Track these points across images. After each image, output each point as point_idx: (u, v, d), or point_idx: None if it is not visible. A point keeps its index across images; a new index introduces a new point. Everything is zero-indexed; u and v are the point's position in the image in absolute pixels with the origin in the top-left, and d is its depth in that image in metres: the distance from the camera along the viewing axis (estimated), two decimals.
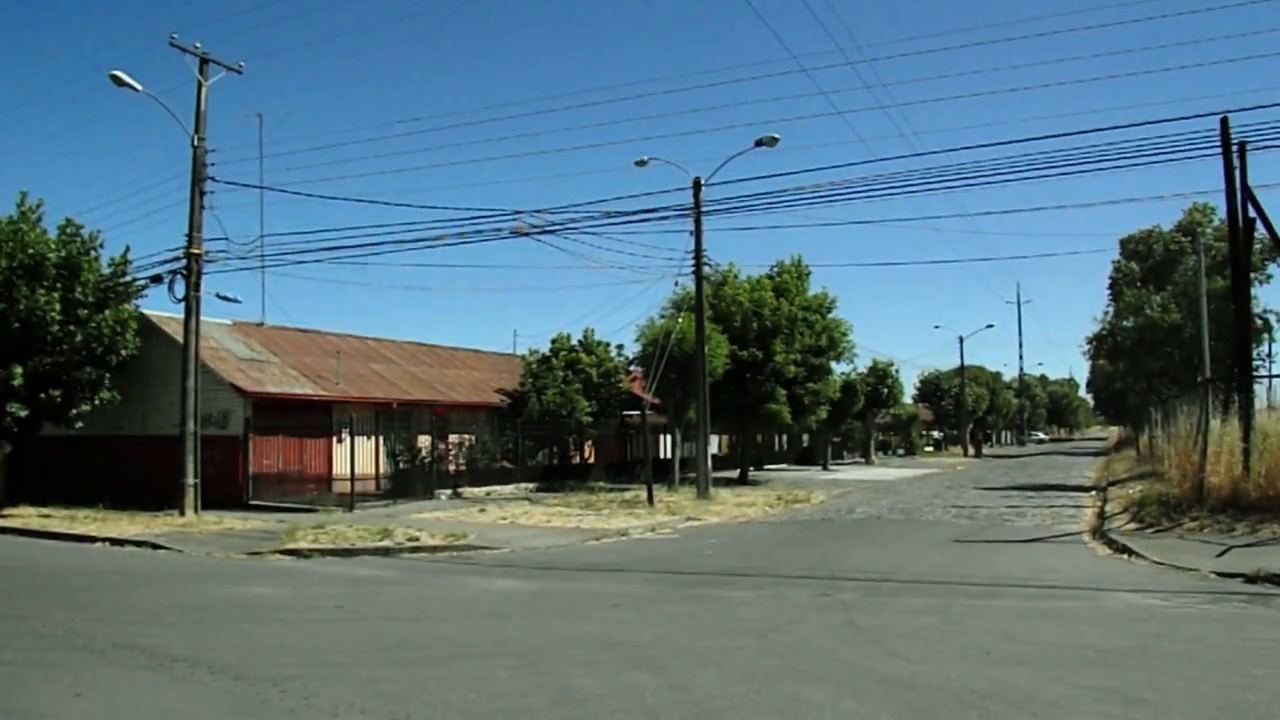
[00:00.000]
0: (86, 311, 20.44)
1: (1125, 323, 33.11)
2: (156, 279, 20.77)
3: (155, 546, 15.12)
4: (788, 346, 30.33)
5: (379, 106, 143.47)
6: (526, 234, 21.07)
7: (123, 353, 21.23)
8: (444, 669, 6.51)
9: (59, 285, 20.01)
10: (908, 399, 60.90)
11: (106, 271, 21.45)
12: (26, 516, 18.99)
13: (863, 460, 52.23)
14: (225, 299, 21.42)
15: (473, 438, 27.57)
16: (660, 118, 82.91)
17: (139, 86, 18.97)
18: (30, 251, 19.74)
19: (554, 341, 31.81)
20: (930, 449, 69.13)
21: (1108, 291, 35.73)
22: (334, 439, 23.46)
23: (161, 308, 22.67)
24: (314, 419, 23.78)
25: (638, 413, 30.40)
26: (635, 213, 21.02)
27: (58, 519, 18.58)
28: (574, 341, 31.90)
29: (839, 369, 36.71)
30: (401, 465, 25.38)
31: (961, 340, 68.28)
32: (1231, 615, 8.49)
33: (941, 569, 11.78)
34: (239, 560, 13.67)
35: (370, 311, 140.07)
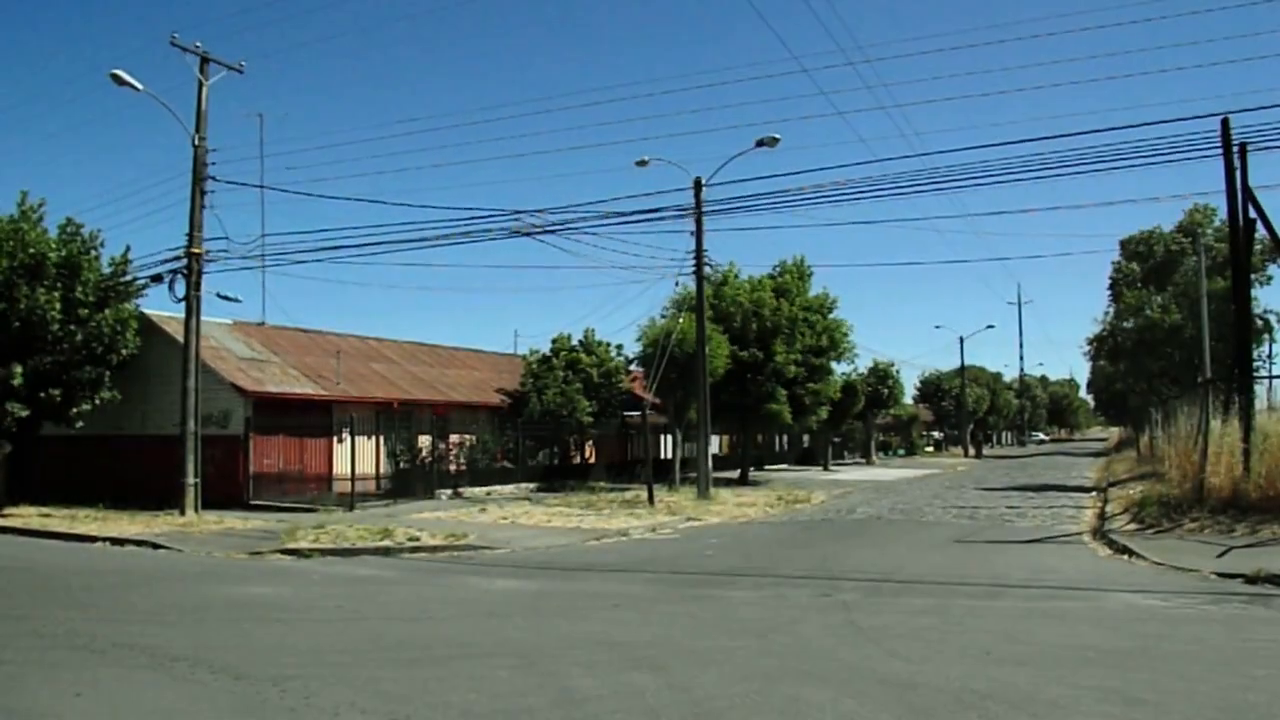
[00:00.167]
0: (87, 311, 20.44)
1: (1126, 323, 33.10)
2: (157, 278, 20.81)
3: (156, 546, 15.12)
4: (788, 347, 30.34)
5: (378, 106, 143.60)
6: (527, 234, 21.09)
7: (123, 352, 21.23)
8: (444, 669, 6.51)
9: (59, 284, 20.02)
10: (908, 399, 60.93)
11: (107, 271, 21.46)
12: (27, 516, 19.00)
13: (863, 460, 52.23)
14: (226, 298, 21.46)
15: (473, 438, 27.57)
16: (661, 118, 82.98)
17: (139, 86, 18.98)
18: (31, 251, 19.75)
19: (554, 341, 31.82)
20: (931, 449, 69.13)
21: (1108, 292, 35.74)
22: (334, 439, 23.47)
23: (162, 307, 22.72)
24: (314, 419, 23.79)
25: (638, 413, 30.41)
26: (636, 213, 21.05)
27: (58, 518, 18.58)
28: (574, 341, 31.91)
29: (840, 369, 36.76)
30: (402, 465, 25.39)
31: (962, 341, 68.39)
32: (1232, 616, 8.49)
33: (942, 569, 11.78)
34: (239, 560, 13.68)
35: (371, 311, 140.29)
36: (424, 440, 25.85)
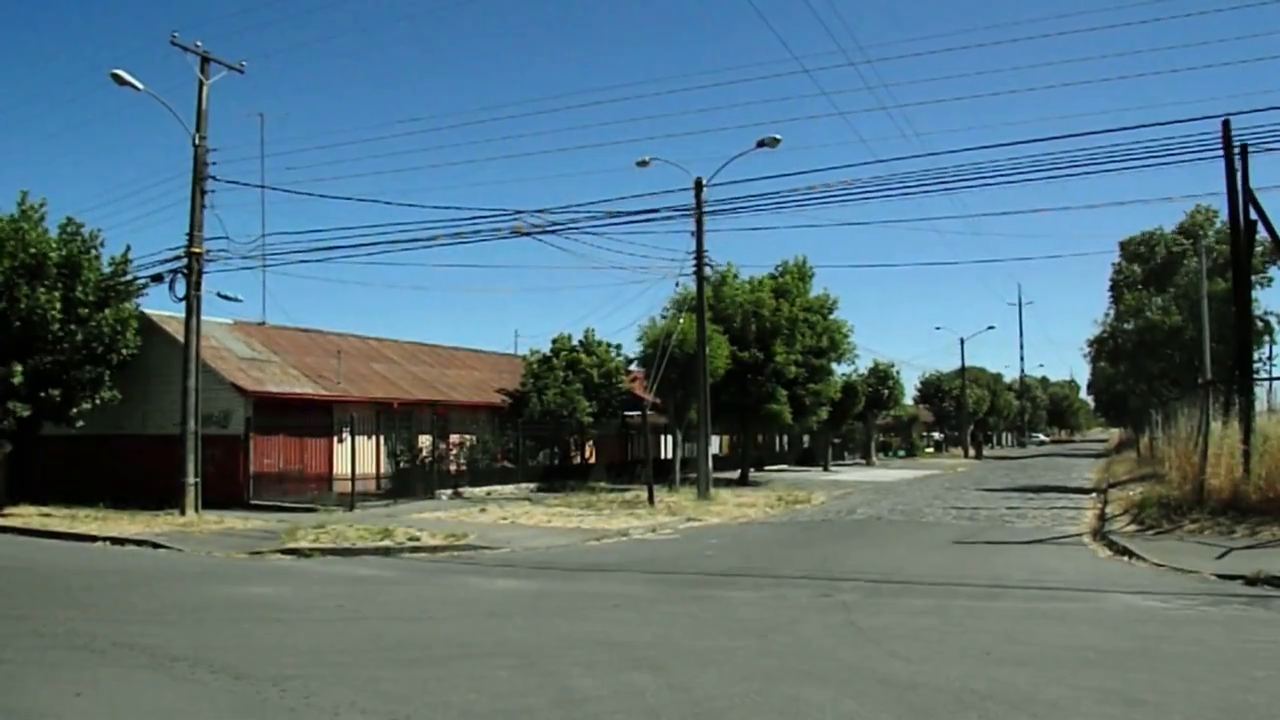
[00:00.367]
0: (87, 310, 20.45)
1: (1126, 325, 33.08)
2: (157, 278, 20.82)
3: (156, 546, 15.13)
4: (788, 347, 30.34)
5: (378, 106, 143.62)
6: (527, 234, 21.09)
7: (123, 352, 21.24)
8: (444, 669, 6.52)
9: (60, 284, 20.03)
10: (908, 400, 60.94)
11: (107, 270, 21.47)
12: (27, 516, 19.00)
13: (863, 461, 52.23)
14: (226, 298, 21.48)
15: (473, 438, 27.58)
16: (661, 118, 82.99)
17: (140, 85, 18.99)
18: (32, 251, 19.77)
19: (555, 342, 31.82)
20: (931, 450, 69.13)
21: (1108, 294, 35.71)
22: (335, 439, 23.48)
23: (162, 307, 22.72)
24: (315, 418, 23.80)
25: (638, 413, 30.42)
26: (636, 213, 21.05)
27: (58, 518, 18.59)
28: (575, 342, 31.92)
29: (840, 370, 36.74)
30: (402, 465, 25.39)
31: (962, 341, 68.59)
32: (1231, 617, 8.50)
33: (942, 570, 11.78)
34: (239, 560, 13.68)
35: (371, 311, 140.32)
36: (424, 440, 25.86)
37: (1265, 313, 29.82)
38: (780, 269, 33.30)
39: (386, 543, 14.72)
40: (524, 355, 33.73)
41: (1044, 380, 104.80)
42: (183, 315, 20.20)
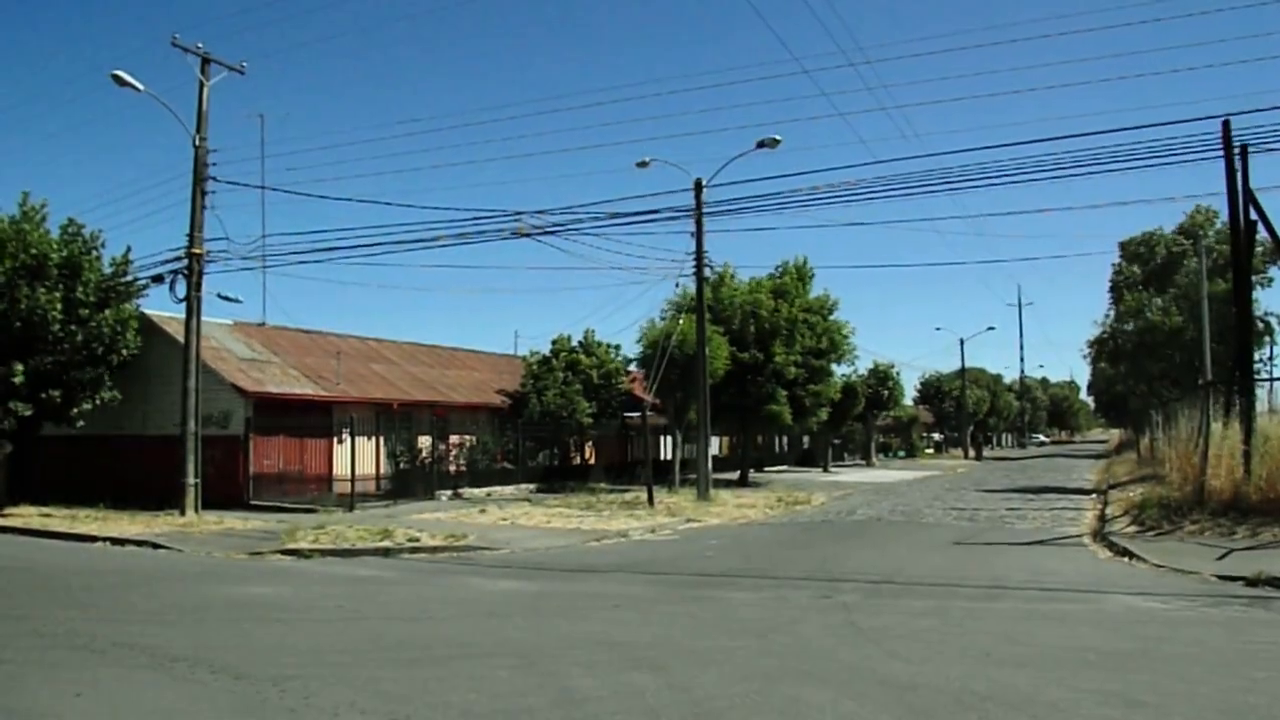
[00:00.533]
0: (87, 311, 20.45)
1: (1126, 326, 33.08)
2: (158, 279, 20.82)
3: (156, 546, 15.13)
4: (788, 348, 30.34)
5: (379, 106, 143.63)
6: (527, 235, 21.09)
7: (123, 352, 21.25)
8: (444, 669, 6.52)
9: (60, 285, 20.04)
10: (908, 401, 60.95)
11: (108, 271, 21.48)
12: (27, 516, 19.00)
13: (863, 462, 52.24)
14: (226, 299, 21.49)
15: (473, 438, 27.58)
16: (661, 119, 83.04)
17: (140, 86, 18.99)
18: (33, 252, 19.78)
19: (554, 342, 31.83)
20: (931, 451, 69.13)
21: (1109, 294, 35.71)
22: (334, 439, 23.47)
23: (163, 307, 22.73)
24: (315, 419, 23.80)
25: (638, 414, 30.42)
26: (636, 214, 21.05)
27: (58, 518, 18.58)
28: (574, 342, 31.92)
29: (840, 371, 36.76)
30: (402, 466, 25.39)
31: (962, 342, 68.69)
32: (1232, 618, 8.49)
33: (942, 571, 11.78)
34: (239, 560, 13.68)
35: (371, 312, 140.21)
36: (424, 441, 25.86)
37: (1265, 313, 29.84)
38: (780, 270, 33.31)
39: (386, 543, 14.72)
40: (524, 356, 33.74)
41: (1044, 381, 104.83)
42: (183, 316, 20.21)
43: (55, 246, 20.27)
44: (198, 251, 19.98)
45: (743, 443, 37.63)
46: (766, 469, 42.58)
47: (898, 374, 50.73)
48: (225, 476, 21.63)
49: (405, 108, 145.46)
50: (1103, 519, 18.04)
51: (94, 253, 21.18)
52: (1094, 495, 25.63)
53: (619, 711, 5.39)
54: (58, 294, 19.76)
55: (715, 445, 36.33)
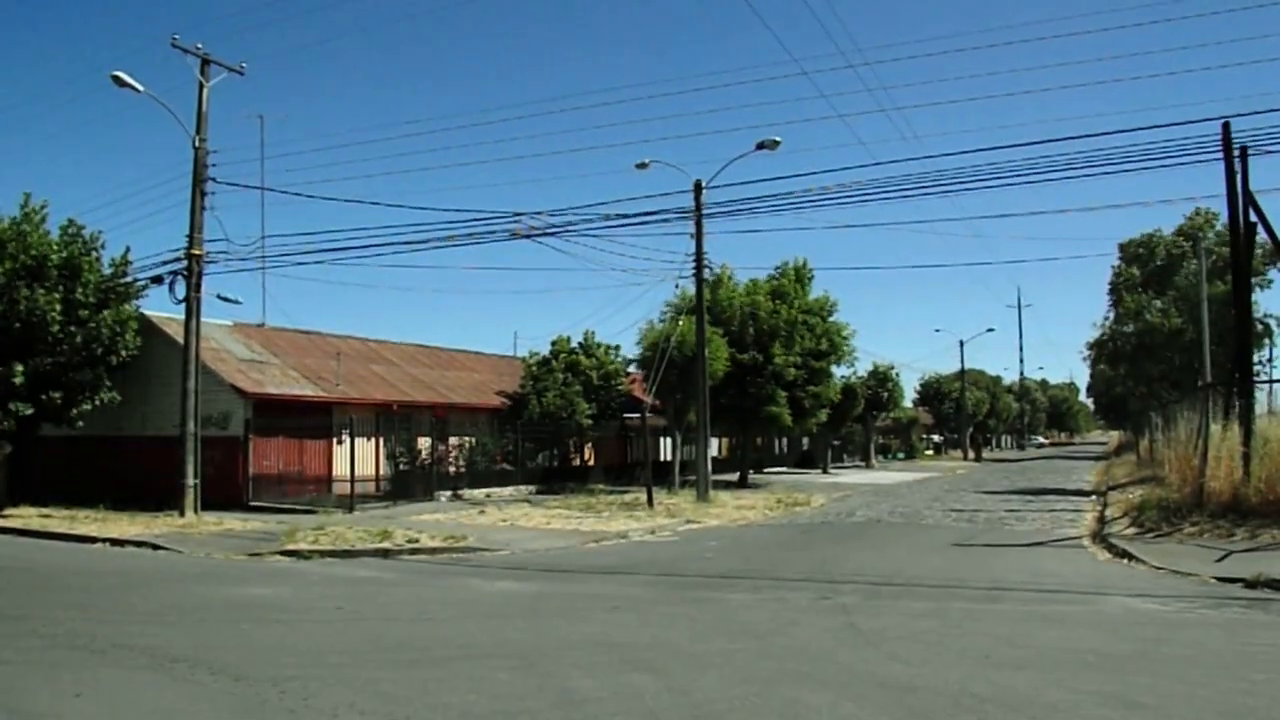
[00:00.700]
0: (87, 312, 20.45)
1: (1126, 327, 33.09)
2: (157, 279, 20.83)
3: (155, 547, 15.12)
4: (787, 349, 30.34)
5: (379, 107, 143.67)
6: (527, 236, 21.10)
7: (123, 353, 21.25)
8: (444, 670, 6.52)
9: (60, 286, 20.04)
10: (908, 402, 60.96)
11: (107, 272, 21.48)
12: (27, 516, 18.99)
13: (862, 464, 52.25)
14: (226, 300, 21.50)
15: (473, 440, 27.57)
16: (661, 120, 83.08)
17: (140, 87, 19.00)
18: (33, 253, 19.79)
19: (554, 344, 31.83)
20: (930, 453, 69.15)
21: (1108, 296, 35.72)
22: (334, 440, 23.46)
23: (162, 308, 22.74)
24: (314, 420, 23.79)
25: (638, 415, 30.43)
26: (636, 215, 21.07)
27: (58, 519, 18.57)
28: (574, 344, 31.94)
29: (839, 372, 36.76)
30: (401, 467, 25.39)
31: (962, 344, 68.59)
32: (1231, 620, 8.50)
33: (941, 572, 11.78)
34: (239, 561, 13.68)
35: (370, 313, 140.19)
36: (423, 442, 25.86)
37: (1265, 315, 29.86)
38: (779, 271, 33.32)
39: (386, 544, 14.72)
40: (523, 357, 33.76)
41: (1043, 383, 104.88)
42: (182, 317, 20.21)
43: (55, 247, 20.27)
44: (197, 252, 19.98)
45: (742, 444, 37.63)
46: (766, 470, 42.59)
47: (897, 375, 50.84)
48: (225, 477, 21.63)
49: (405, 108, 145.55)
50: (1102, 521, 18.04)
51: (94, 254, 21.18)
52: (1093, 497, 25.64)
53: (618, 713, 5.39)
54: (57, 295, 19.76)
55: (715, 447, 36.34)
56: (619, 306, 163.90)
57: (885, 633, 7.82)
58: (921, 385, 66.81)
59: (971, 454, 64.04)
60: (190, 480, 19.32)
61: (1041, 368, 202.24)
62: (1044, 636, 7.79)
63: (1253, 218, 16.46)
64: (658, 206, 22.56)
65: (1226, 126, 16.33)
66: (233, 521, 18.32)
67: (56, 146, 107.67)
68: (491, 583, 11.40)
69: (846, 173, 38.35)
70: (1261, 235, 17.05)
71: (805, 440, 49.74)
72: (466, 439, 27.42)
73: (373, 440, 24.34)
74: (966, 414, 65.35)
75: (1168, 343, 29.87)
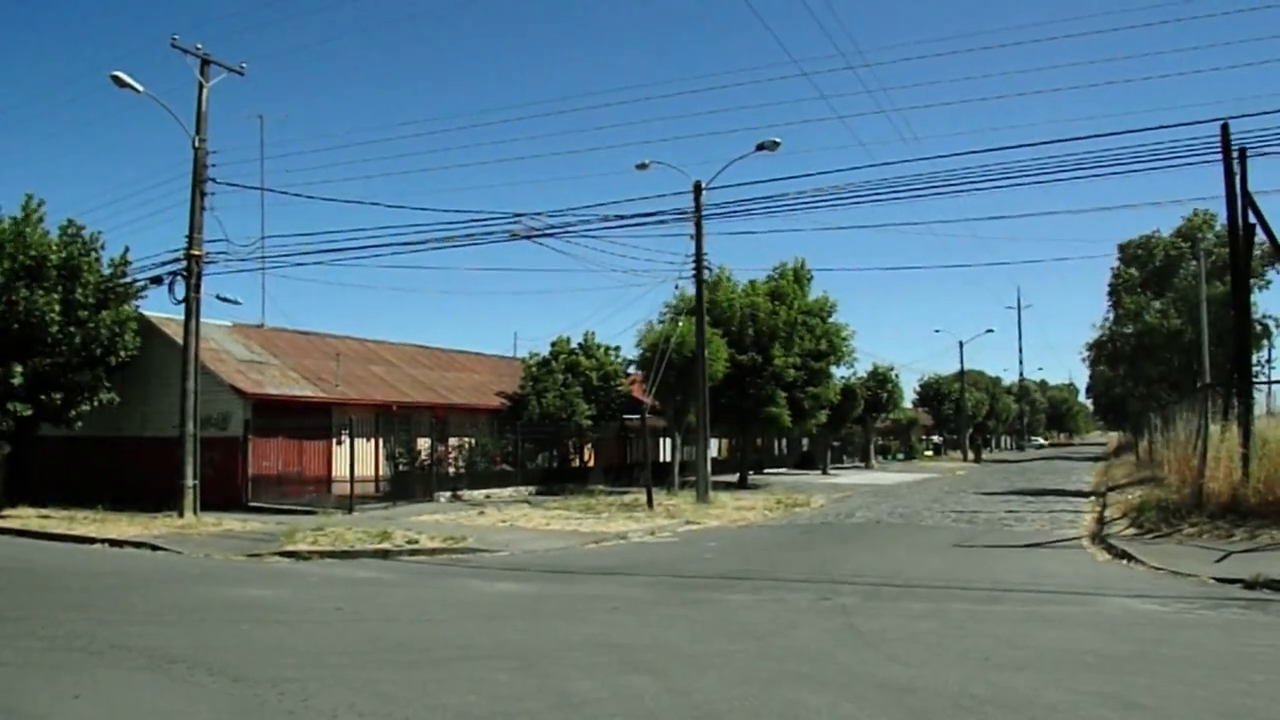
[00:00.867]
0: (86, 312, 20.44)
1: (1125, 329, 33.14)
2: (156, 280, 20.81)
3: (154, 548, 15.11)
4: (787, 350, 30.35)
5: (378, 108, 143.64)
6: (527, 237, 21.10)
7: (122, 354, 21.24)
8: (443, 671, 6.52)
9: (59, 286, 20.03)
10: (907, 403, 60.97)
11: (107, 272, 21.47)
12: (26, 517, 18.98)
13: (862, 465, 52.25)
14: (225, 300, 21.52)
15: (472, 440, 27.57)
16: (661, 121, 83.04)
17: (140, 87, 18.99)
18: (32, 253, 19.77)
19: (554, 344, 31.83)
20: (930, 454, 69.13)
21: (1107, 297, 35.76)
22: (333, 441, 23.45)
23: (161, 309, 22.74)
24: (313, 421, 23.78)
25: (637, 416, 30.43)
26: (636, 216, 21.16)
27: (57, 520, 18.56)
28: (574, 344, 31.93)
29: (839, 373, 36.78)
30: (401, 468, 25.38)
31: (961, 345, 68.62)
32: (1230, 621, 8.50)
33: (941, 573, 11.78)
34: (238, 562, 13.67)
35: (370, 313, 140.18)
36: (423, 443, 25.86)
37: (1264, 316, 29.93)
38: (777, 272, 33.32)
39: (385, 545, 14.71)
40: (523, 358, 33.75)
41: (1043, 384, 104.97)
42: (182, 317, 20.20)
43: (54, 247, 20.26)
44: (197, 253, 19.97)
45: (742, 445, 37.62)
46: (765, 471, 42.59)
47: (897, 376, 50.85)
48: (224, 478, 21.62)
49: (405, 109, 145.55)
50: (1101, 521, 18.04)
51: (93, 254, 21.17)
52: (1092, 498, 25.63)
53: (618, 714, 5.39)
54: (56, 295, 19.75)
55: (714, 447, 36.35)
56: (619, 307, 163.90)
57: (885, 634, 7.81)
58: (921, 386, 66.86)
59: (971, 455, 64.04)
60: (189, 481, 19.31)
61: (1041, 369, 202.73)
62: (1043, 637, 7.79)
63: (1251, 219, 16.47)
64: (657, 208, 22.62)
65: (1225, 128, 16.35)
66: (232, 522, 18.31)
67: (56, 146, 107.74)
68: (491, 584, 11.39)
69: (846, 174, 38.42)
70: (1260, 236, 17.06)
71: (805, 441, 49.75)
72: (466, 440, 27.42)
73: (372, 441, 24.33)
74: (966, 415, 65.37)
75: (1167, 344, 29.91)
